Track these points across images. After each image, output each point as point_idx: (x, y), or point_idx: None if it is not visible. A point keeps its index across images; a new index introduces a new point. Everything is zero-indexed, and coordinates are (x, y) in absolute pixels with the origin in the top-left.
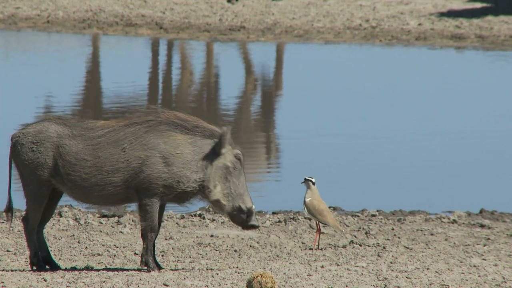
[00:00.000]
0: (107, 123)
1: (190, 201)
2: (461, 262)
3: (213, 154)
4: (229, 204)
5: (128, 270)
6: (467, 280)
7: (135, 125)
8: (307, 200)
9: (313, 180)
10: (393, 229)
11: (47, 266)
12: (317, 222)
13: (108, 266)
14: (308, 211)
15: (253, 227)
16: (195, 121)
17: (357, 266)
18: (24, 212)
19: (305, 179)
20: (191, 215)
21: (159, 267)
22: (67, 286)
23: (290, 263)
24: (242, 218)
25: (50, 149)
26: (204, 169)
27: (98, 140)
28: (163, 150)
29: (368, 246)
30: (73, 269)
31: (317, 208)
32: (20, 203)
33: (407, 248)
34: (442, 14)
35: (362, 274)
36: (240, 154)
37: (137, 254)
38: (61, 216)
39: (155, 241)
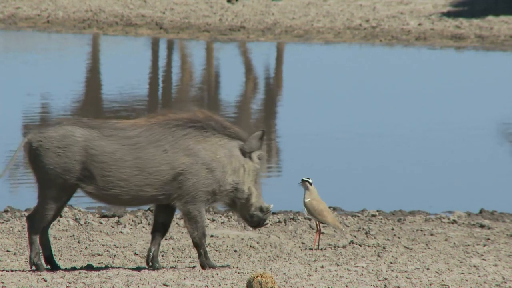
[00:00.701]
0: (136, 122)
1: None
2: (461, 262)
3: (242, 156)
4: (255, 205)
5: (128, 270)
6: (467, 280)
7: (171, 125)
8: (306, 200)
9: (310, 180)
10: (393, 229)
11: (48, 266)
12: (317, 222)
13: (108, 266)
14: (308, 211)
15: (266, 225)
16: (222, 121)
17: (357, 266)
18: (32, 212)
19: (302, 180)
20: None
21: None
22: (67, 286)
23: (290, 263)
24: (260, 217)
25: (78, 153)
26: (237, 171)
27: (135, 140)
28: (204, 156)
29: (368, 246)
30: (73, 269)
31: (317, 208)
32: (19, 203)
33: (407, 248)
34: (442, 14)
35: (362, 274)
36: (261, 155)
37: (137, 254)
38: (61, 216)
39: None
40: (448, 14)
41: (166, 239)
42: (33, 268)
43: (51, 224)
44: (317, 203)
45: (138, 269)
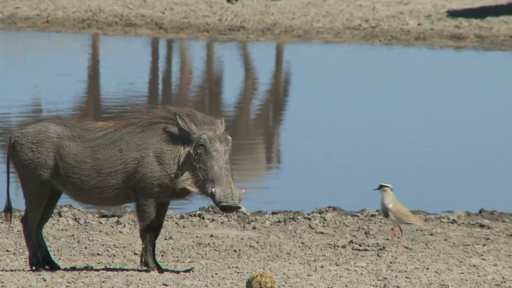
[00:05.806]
0: (106, 124)
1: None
2: (460, 262)
3: (183, 142)
4: (199, 190)
5: (127, 270)
6: (466, 280)
7: (131, 125)
8: (390, 206)
9: (390, 186)
10: (392, 229)
11: (46, 266)
12: (400, 225)
13: (108, 266)
14: (395, 215)
15: (224, 208)
16: (170, 110)
17: (357, 266)
18: (23, 212)
19: (380, 185)
20: (191, 215)
21: (159, 268)
22: (67, 286)
23: (290, 263)
24: (215, 201)
25: (50, 149)
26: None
27: (97, 142)
28: (156, 148)
29: (368, 246)
30: (73, 269)
31: (402, 211)
32: (19, 203)
33: (407, 248)
34: (441, 14)
35: (362, 274)
36: (203, 140)
37: (136, 254)
38: (60, 216)
39: (155, 241)
40: (448, 14)
41: (165, 239)
42: (33, 268)
43: (51, 224)
44: (400, 206)
45: (138, 269)
